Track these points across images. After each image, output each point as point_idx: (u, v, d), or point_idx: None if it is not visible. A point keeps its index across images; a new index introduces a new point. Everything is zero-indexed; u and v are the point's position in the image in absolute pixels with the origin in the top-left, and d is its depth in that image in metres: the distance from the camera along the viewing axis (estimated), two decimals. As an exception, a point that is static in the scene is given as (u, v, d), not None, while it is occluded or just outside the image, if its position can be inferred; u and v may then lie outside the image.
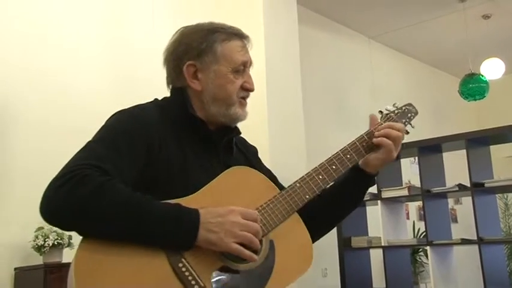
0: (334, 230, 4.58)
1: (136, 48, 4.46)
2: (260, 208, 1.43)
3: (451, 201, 6.54)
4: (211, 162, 1.52)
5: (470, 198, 4.37)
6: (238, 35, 1.58)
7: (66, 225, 1.28)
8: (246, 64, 1.57)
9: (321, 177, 1.52)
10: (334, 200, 1.62)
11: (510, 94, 8.45)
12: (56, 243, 3.34)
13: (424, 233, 4.77)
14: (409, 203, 6.60)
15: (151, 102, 1.58)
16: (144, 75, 4.39)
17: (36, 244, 3.33)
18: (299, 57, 5.20)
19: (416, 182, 4.80)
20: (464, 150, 4.41)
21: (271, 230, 1.42)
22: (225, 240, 1.30)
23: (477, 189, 4.33)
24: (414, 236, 6.53)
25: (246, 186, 1.47)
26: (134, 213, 1.26)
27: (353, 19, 6.76)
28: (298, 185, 1.50)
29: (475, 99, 6.46)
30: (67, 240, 3.41)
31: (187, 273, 1.28)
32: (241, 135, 1.69)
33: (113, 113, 1.51)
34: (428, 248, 4.54)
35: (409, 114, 1.68)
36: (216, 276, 1.32)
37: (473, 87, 6.33)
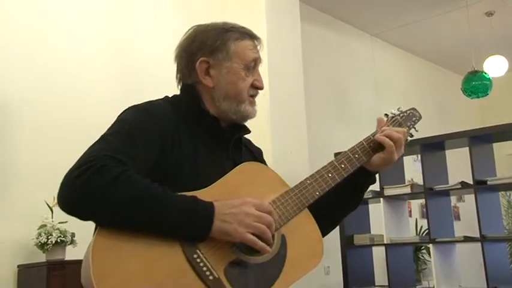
0: (337, 228, 4.57)
1: (138, 43, 4.46)
2: (272, 203, 1.46)
3: (453, 199, 6.53)
4: (222, 159, 1.55)
5: (473, 195, 4.37)
6: (251, 36, 1.63)
7: (84, 215, 1.30)
8: (257, 61, 1.61)
9: (330, 175, 1.56)
10: (335, 197, 1.63)
11: (513, 91, 8.44)
12: (59, 240, 3.34)
13: (427, 231, 4.77)
14: (412, 201, 6.60)
15: (162, 99, 1.61)
16: (147, 71, 4.41)
17: (39, 241, 3.34)
18: (301, 54, 5.19)
19: (419, 179, 4.79)
20: (467, 148, 4.40)
21: (283, 224, 1.45)
22: (239, 230, 1.32)
23: (480, 186, 4.32)
24: (417, 234, 6.53)
25: (258, 181, 1.50)
26: (150, 203, 1.28)
27: (355, 17, 6.75)
28: (308, 181, 1.54)
29: (478, 97, 6.45)
30: (70, 237, 3.42)
31: (201, 264, 1.30)
32: (246, 137, 1.72)
33: (125, 108, 1.53)
34: (430, 245, 4.54)
35: (414, 118, 1.74)
36: (229, 269, 1.34)
37: (476, 84, 6.32)
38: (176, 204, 1.31)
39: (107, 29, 4.28)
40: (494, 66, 6.74)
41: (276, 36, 4.90)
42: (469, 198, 5.45)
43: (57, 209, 3.41)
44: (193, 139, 1.50)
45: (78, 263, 3.56)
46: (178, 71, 1.64)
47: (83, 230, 3.39)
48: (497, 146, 4.70)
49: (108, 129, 1.45)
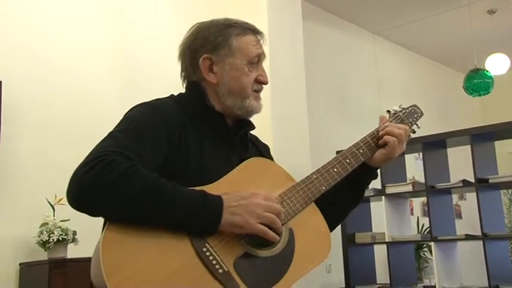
0: (338, 226, 4.58)
1: (139, 41, 4.46)
2: (279, 197, 1.47)
3: (455, 197, 6.53)
4: (228, 155, 1.56)
5: (474, 194, 4.37)
6: (253, 30, 1.63)
7: (93, 210, 1.30)
8: (260, 57, 1.61)
9: (335, 170, 1.58)
10: (337, 193, 1.64)
11: (515, 90, 8.43)
12: (60, 238, 3.35)
13: (428, 229, 4.78)
14: (413, 199, 6.60)
15: (168, 97, 1.62)
16: (148, 68, 4.41)
17: (41, 240, 3.34)
18: (303, 52, 5.19)
19: (420, 177, 4.79)
20: (469, 146, 4.40)
21: (290, 218, 1.46)
22: (250, 221, 1.33)
23: (481, 185, 4.32)
24: (418, 232, 6.52)
25: (264, 176, 1.52)
26: (159, 197, 1.29)
27: (357, 15, 6.75)
28: (314, 176, 1.55)
29: (480, 95, 6.44)
30: (71, 236, 3.42)
31: (211, 258, 1.30)
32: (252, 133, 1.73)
33: (133, 105, 1.54)
34: (432, 243, 4.54)
35: (415, 115, 1.75)
36: (239, 262, 1.34)
37: (478, 82, 6.31)
38: (184, 198, 1.31)
39: (108, 27, 4.28)
40: (496, 64, 6.73)
41: (277, 35, 4.90)
42: (471, 197, 5.45)
43: (58, 207, 3.43)
44: (199, 136, 1.51)
45: (79, 261, 3.58)
46: (183, 68, 1.65)
47: (85, 228, 3.40)
48: (498, 144, 4.70)
49: (116, 126, 1.45)
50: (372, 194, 4.77)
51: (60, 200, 3.42)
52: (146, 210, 1.28)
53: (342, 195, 1.67)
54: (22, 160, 3.63)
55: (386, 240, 4.72)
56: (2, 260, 3.44)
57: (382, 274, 5.22)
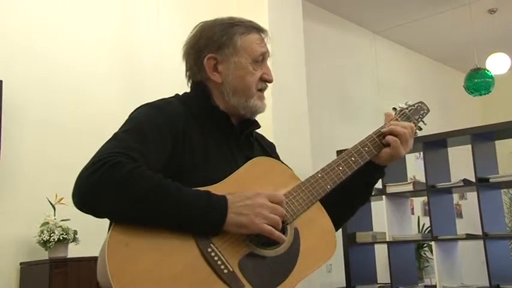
0: (339, 225, 4.58)
1: (140, 40, 4.46)
2: (284, 196, 1.46)
3: (456, 197, 6.52)
4: (233, 154, 1.56)
5: (475, 193, 4.37)
6: (257, 29, 1.64)
7: (98, 211, 1.31)
8: (265, 55, 1.62)
9: (341, 168, 1.57)
10: (344, 191, 1.64)
11: (516, 89, 8.42)
12: (61, 238, 3.35)
13: (429, 228, 4.77)
14: (414, 198, 6.60)
15: (173, 96, 1.62)
16: (148, 67, 4.42)
17: (42, 239, 3.34)
18: (304, 52, 5.19)
19: (421, 177, 4.79)
20: (470, 146, 4.40)
21: (295, 217, 1.46)
22: (256, 221, 1.33)
23: (482, 184, 4.32)
24: (419, 231, 6.52)
25: (269, 175, 1.51)
26: (164, 198, 1.29)
27: (358, 14, 6.74)
28: (319, 175, 1.55)
29: (481, 94, 6.43)
30: (72, 235, 3.43)
31: (216, 258, 1.30)
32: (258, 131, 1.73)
33: (138, 106, 1.54)
34: (433, 243, 4.54)
35: (422, 112, 1.74)
36: (244, 262, 1.34)
37: (478, 82, 6.30)
38: (189, 198, 1.31)
39: (109, 25, 4.29)
40: (496, 64, 6.72)
41: (278, 34, 4.89)
42: (471, 196, 5.45)
43: (59, 207, 3.43)
44: (204, 135, 1.51)
45: (80, 260, 3.57)
46: (187, 68, 1.64)
47: (86, 228, 3.41)
48: (499, 144, 4.69)
49: (121, 127, 1.45)
50: (373, 193, 4.75)
51: (61, 199, 3.42)
52: (151, 211, 1.28)
53: (349, 193, 1.67)
54: (23, 159, 3.64)
55: (387, 239, 4.72)
56: (3, 259, 3.44)
57: (382, 273, 5.22)
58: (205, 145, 1.50)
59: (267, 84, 1.63)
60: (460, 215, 7.54)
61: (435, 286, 4.53)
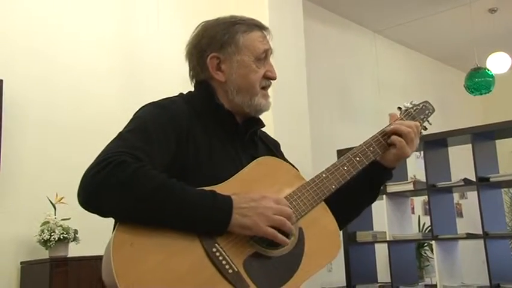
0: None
1: (140, 39, 4.46)
2: (289, 196, 1.47)
3: (456, 196, 6.52)
4: (238, 153, 1.56)
5: (475, 192, 4.36)
6: (259, 26, 1.64)
7: (104, 211, 1.31)
8: (268, 52, 1.62)
9: (345, 168, 1.57)
10: (352, 192, 1.64)
11: (516, 88, 8.42)
12: (61, 237, 3.35)
13: (430, 228, 4.77)
14: (415, 198, 6.59)
15: (177, 96, 1.62)
16: (149, 66, 4.41)
17: (42, 238, 3.34)
18: (304, 51, 5.19)
19: (421, 176, 4.79)
20: (470, 145, 4.40)
21: (300, 217, 1.46)
22: (260, 224, 1.33)
23: (482, 183, 4.32)
24: (419, 231, 6.52)
25: (274, 175, 1.51)
26: (168, 198, 1.29)
27: (358, 13, 6.74)
28: (324, 175, 1.54)
29: (481, 94, 6.43)
30: (73, 234, 3.43)
31: (221, 258, 1.31)
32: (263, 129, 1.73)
33: (142, 105, 1.54)
34: (433, 242, 4.53)
35: (427, 111, 1.74)
36: (249, 262, 1.34)
37: (479, 81, 6.30)
38: (194, 198, 1.32)
39: (109, 25, 4.28)
40: (497, 63, 6.72)
41: (279, 33, 4.88)
42: (472, 195, 5.45)
43: (60, 206, 3.44)
44: (208, 134, 1.51)
45: (81, 259, 3.57)
46: (191, 68, 1.65)
47: (86, 227, 3.41)
48: (499, 143, 4.69)
49: (125, 126, 1.46)
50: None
51: (61, 198, 3.43)
52: (156, 211, 1.28)
53: (356, 193, 1.67)
54: (23, 158, 3.64)
55: (388, 239, 4.72)
56: (3, 258, 3.44)
57: (383, 273, 5.22)
58: (210, 144, 1.50)
59: (271, 81, 1.63)
60: (461, 215, 7.54)
61: (435, 285, 4.53)
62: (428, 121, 1.74)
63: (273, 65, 1.64)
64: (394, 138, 1.60)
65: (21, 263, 3.49)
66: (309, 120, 5.08)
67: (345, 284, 4.98)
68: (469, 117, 7.85)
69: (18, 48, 3.75)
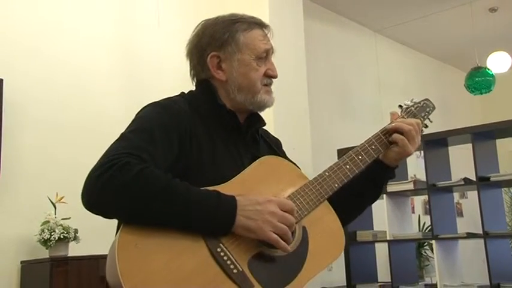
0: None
1: (140, 38, 4.46)
2: (292, 196, 1.47)
3: (456, 195, 6.52)
4: (240, 153, 1.56)
5: (475, 192, 4.36)
6: (259, 24, 1.63)
7: (108, 212, 1.31)
8: (269, 51, 1.61)
9: (348, 166, 1.57)
10: (354, 191, 1.65)
11: (516, 88, 8.42)
12: (62, 236, 3.35)
13: (430, 227, 4.76)
14: (415, 197, 6.59)
15: (178, 95, 1.61)
16: (149, 66, 4.41)
17: (42, 238, 3.35)
18: (304, 50, 5.19)
19: (421, 176, 4.79)
20: (470, 144, 4.39)
21: (303, 217, 1.46)
22: (264, 228, 1.33)
23: (483, 183, 4.31)
24: (419, 230, 6.51)
25: (277, 175, 1.51)
26: (173, 198, 1.29)
27: (358, 13, 6.74)
28: (327, 174, 1.55)
29: (481, 93, 6.43)
30: (73, 234, 3.43)
31: (225, 258, 1.31)
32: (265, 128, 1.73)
33: (144, 105, 1.54)
34: (433, 242, 4.53)
35: (427, 109, 1.74)
36: (253, 262, 1.35)
37: (479, 80, 6.30)
38: (199, 198, 1.31)
39: (109, 24, 4.28)
40: (497, 63, 6.72)
41: (279, 33, 4.87)
42: (472, 195, 5.44)
43: (60, 205, 3.44)
44: (210, 135, 1.51)
45: (81, 259, 3.57)
46: (191, 67, 1.64)
47: (86, 227, 3.41)
48: (500, 143, 4.69)
49: (128, 126, 1.45)
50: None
51: (62, 198, 3.43)
52: (160, 212, 1.28)
53: (358, 192, 1.67)
54: (23, 158, 3.64)
55: (388, 238, 4.72)
56: (4, 258, 3.44)
57: (383, 272, 5.22)
58: (212, 144, 1.49)
59: (272, 80, 1.62)
60: (461, 214, 7.53)
61: (436, 285, 4.53)
62: (429, 119, 1.74)
63: (274, 64, 1.63)
64: (395, 136, 1.59)
65: (22, 262, 3.49)
66: (309, 120, 5.08)
67: (345, 284, 4.98)
68: (469, 117, 7.86)
69: (18, 48, 3.75)
